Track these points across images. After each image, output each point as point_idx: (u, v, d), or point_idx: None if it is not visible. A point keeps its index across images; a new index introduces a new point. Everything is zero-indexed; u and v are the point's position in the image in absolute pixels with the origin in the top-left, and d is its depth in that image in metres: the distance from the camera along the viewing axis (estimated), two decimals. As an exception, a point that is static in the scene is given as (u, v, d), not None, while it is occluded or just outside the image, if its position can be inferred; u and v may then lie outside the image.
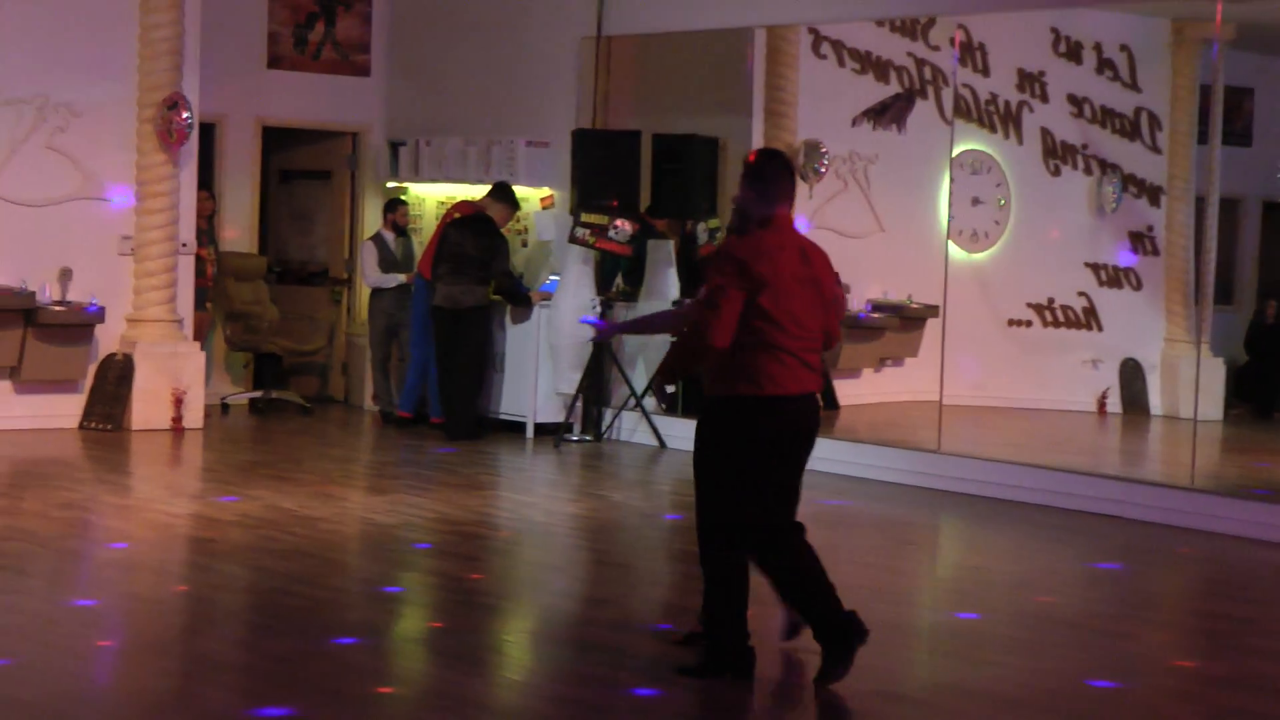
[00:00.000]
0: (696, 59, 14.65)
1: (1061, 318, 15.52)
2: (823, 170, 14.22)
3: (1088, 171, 15.54)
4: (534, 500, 11.41)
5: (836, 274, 7.02)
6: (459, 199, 14.67)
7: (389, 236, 14.78)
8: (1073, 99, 15.46)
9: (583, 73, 14.38)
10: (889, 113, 14.78)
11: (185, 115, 13.32)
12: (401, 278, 14.52)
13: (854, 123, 14.77)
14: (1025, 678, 7.22)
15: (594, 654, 7.31)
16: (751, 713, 6.72)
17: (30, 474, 11.65)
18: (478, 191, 14.47)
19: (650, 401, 13.91)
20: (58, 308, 13.04)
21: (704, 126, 14.01)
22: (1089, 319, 15.54)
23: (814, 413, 6.86)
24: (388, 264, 14.65)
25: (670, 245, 13.98)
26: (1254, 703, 6.97)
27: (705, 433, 6.83)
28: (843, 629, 6.78)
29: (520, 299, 13.93)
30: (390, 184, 15.59)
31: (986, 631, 8.09)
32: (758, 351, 6.67)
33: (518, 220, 14.89)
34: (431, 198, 15.42)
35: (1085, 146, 15.51)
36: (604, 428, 13.94)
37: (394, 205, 14.91)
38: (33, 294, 12.93)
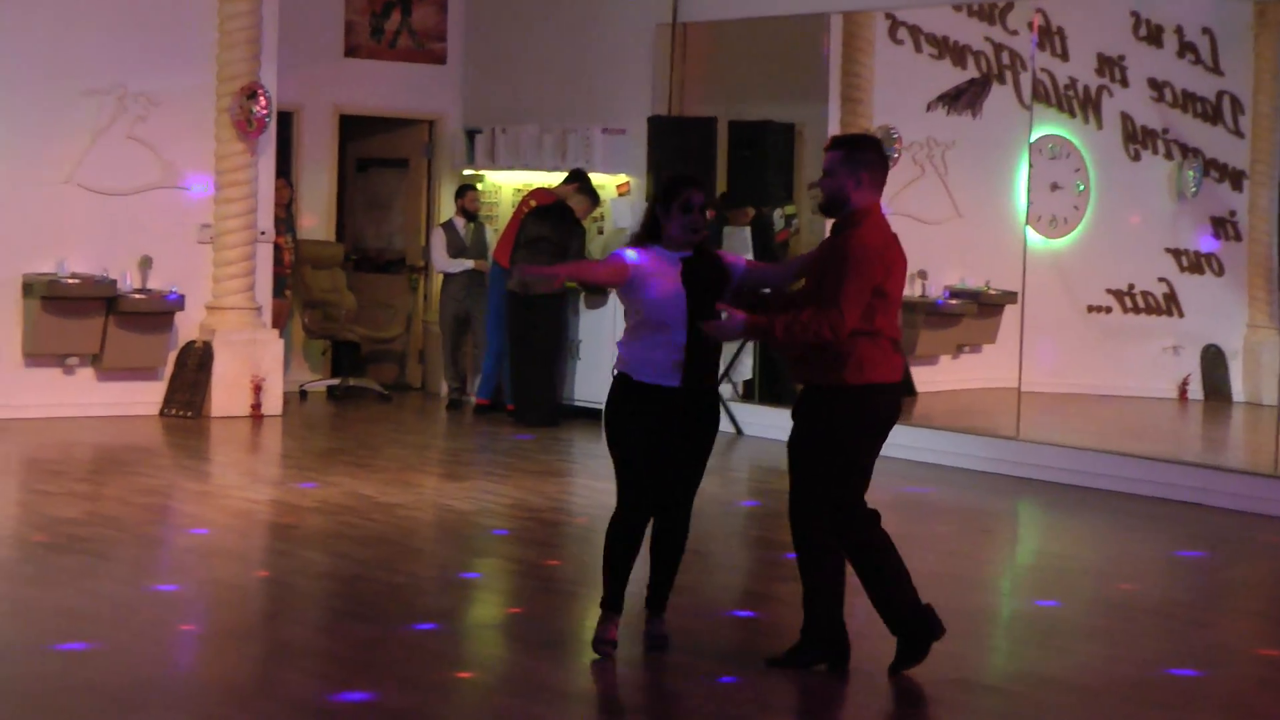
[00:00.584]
0: (772, 45, 14.60)
1: (1142, 304, 15.37)
2: (895, 155, 14.13)
3: (1168, 156, 15.38)
4: (610, 487, 11.38)
5: None
6: (535, 186, 14.68)
7: (459, 223, 14.82)
8: (1153, 83, 15.30)
9: (658, 60, 14.35)
10: (964, 98, 14.68)
11: (264, 104, 13.40)
12: (469, 264, 14.55)
13: (928, 108, 14.68)
14: (1106, 666, 7.16)
15: (671, 640, 7.29)
16: (830, 700, 6.70)
17: (111, 461, 11.77)
18: (554, 179, 14.48)
19: (727, 388, 13.88)
20: (138, 296, 13.15)
21: (779, 113, 13.97)
22: (1170, 305, 15.39)
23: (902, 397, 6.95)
24: (456, 249, 14.69)
25: (747, 232, 13.95)
26: (1340, 692, 6.89)
27: (825, 420, 6.72)
28: (920, 621, 6.74)
29: (594, 286, 13.96)
30: (466, 171, 15.63)
31: (1067, 619, 8.03)
32: (867, 339, 6.63)
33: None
34: (508, 186, 15.44)
35: (1166, 131, 15.34)
36: (680, 415, 13.89)
37: (463, 191, 14.95)
38: (114, 282, 13.05)
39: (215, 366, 13.37)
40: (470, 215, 14.86)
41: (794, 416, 6.86)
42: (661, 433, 6.83)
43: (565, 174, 14.26)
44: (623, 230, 14.61)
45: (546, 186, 14.44)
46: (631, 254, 6.88)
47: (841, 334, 6.54)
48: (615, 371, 6.96)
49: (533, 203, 14.18)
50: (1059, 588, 8.78)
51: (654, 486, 6.91)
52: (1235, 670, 7.25)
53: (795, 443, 6.83)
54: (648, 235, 6.93)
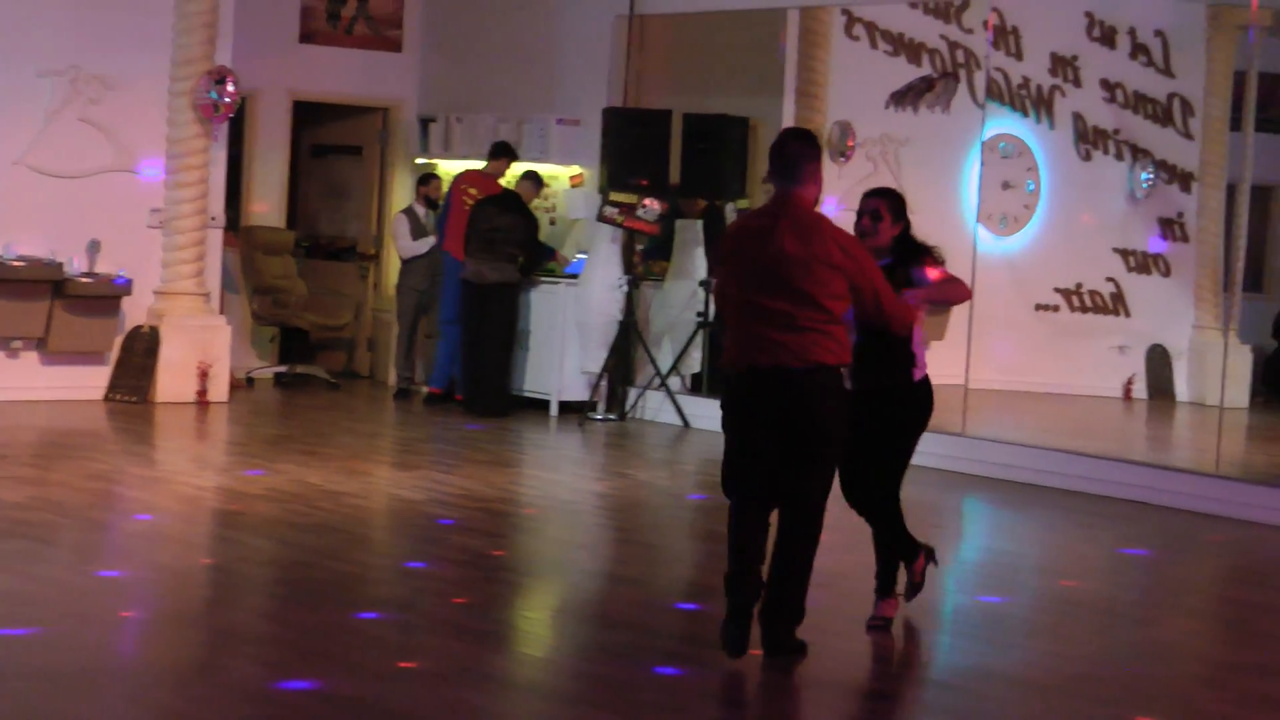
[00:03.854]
0: (729, 39, 14.62)
1: (1090, 303, 15.46)
2: (849, 151, 14.17)
3: (1119, 157, 15.47)
4: (559, 478, 11.42)
5: None
6: (466, 170, 14.63)
7: (420, 210, 14.78)
8: (1106, 84, 15.39)
9: (615, 52, 14.35)
10: (932, 92, 14.71)
11: (233, 90, 13.31)
12: (432, 239, 14.52)
13: (896, 102, 14.70)
14: (1051, 662, 7.21)
15: (617, 631, 7.31)
16: (778, 692, 6.72)
17: (56, 445, 11.69)
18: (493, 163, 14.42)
19: (675, 381, 13.90)
20: (86, 279, 13.06)
21: (735, 107, 13.98)
22: (1117, 305, 15.49)
23: None
24: (418, 236, 14.67)
25: (699, 225, 13.97)
26: (1278, 689, 6.93)
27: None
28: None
29: (547, 255, 14.01)
30: (420, 160, 15.58)
31: (1013, 615, 8.08)
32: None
33: (546, 198, 14.89)
34: (432, 171, 15.40)
35: (1117, 132, 15.44)
36: (628, 407, 13.94)
37: (427, 179, 14.92)
38: (61, 265, 12.96)
39: (163, 352, 13.30)
40: (433, 203, 14.81)
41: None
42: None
43: (497, 154, 14.32)
44: (577, 221, 14.61)
45: (478, 170, 14.39)
46: None
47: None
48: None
49: (472, 190, 14.11)
50: (1005, 584, 8.83)
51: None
52: (1177, 667, 7.30)
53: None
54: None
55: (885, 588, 7.50)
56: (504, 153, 14.32)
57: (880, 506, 7.41)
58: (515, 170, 14.37)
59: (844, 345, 6.84)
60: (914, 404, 7.36)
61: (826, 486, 6.92)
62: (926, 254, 7.29)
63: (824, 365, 6.77)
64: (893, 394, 7.29)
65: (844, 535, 7.56)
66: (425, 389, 14.46)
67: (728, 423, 6.96)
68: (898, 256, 7.26)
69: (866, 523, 7.46)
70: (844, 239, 6.81)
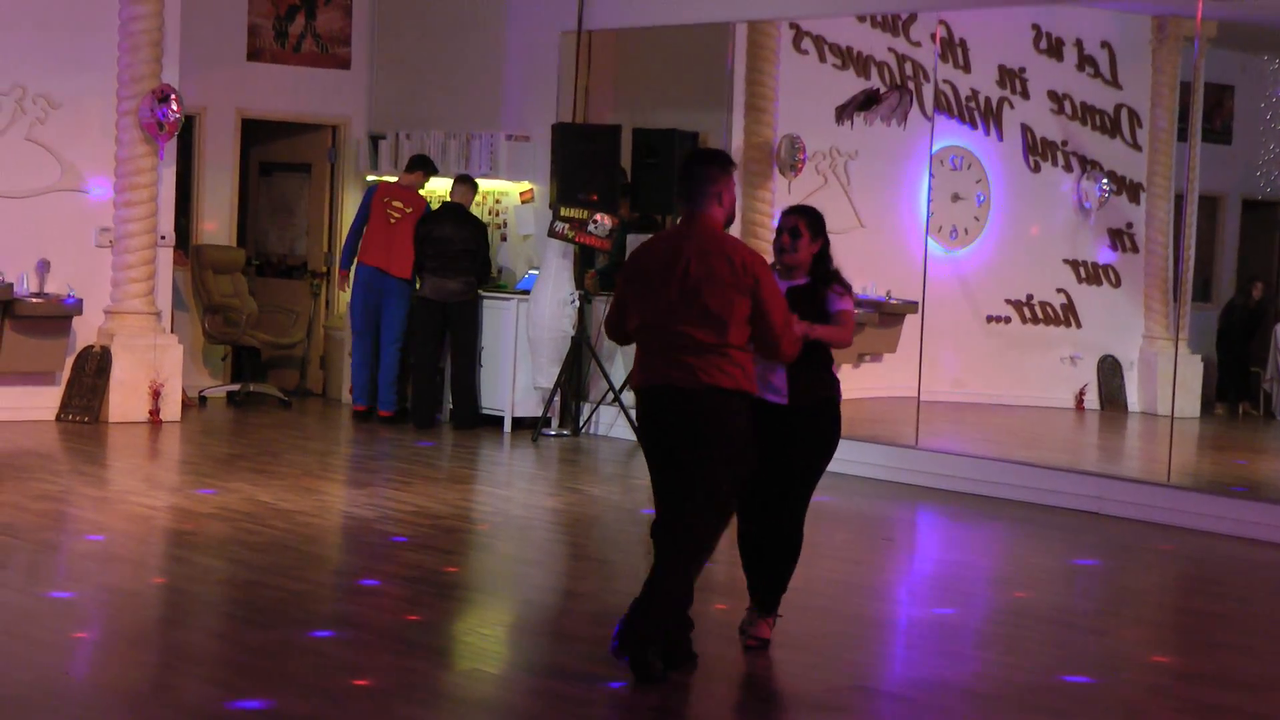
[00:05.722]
0: (677, 54, 14.65)
1: (1040, 314, 15.55)
2: (799, 164, 14.21)
3: (1068, 168, 15.57)
4: (511, 494, 11.41)
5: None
6: (382, 182, 14.61)
7: None
8: (1053, 95, 15.49)
9: (563, 67, 14.36)
10: (884, 105, 14.77)
11: (177, 108, 13.26)
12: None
13: (838, 116, 14.75)
14: (1002, 673, 7.24)
15: (570, 647, 7.31)
16: (730, 706, 6.72)
17: (7, 466, 11.60)
18: (442, 178, 14.40)
19: (629, 396, 13.90)
20: (35, 299, 12.99)
21: (684, 121, 14.01)
22: (1068, 316, 15.57)
23: None
24: None
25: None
26: (1228, 698, 6.99)
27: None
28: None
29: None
30: (371, 177, 15.55)
31: (965, 626, 8.11)
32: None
33: (497, 215, 14.89)
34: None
35: (1065, 143, 15.54)
36: (582, 422, 13.94)
37: None
38: (10, 285, 12.89)
39: (114, 371, 13.24)
40: None
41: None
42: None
43: (415, 168, 14.33)
44: (528, 237, 14.61)
45: (395, 182, 14.36)
46: None
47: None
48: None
49: (397, 204, 14.01)
50: (957, 595, 8.86)
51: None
52: (1128, 677, 7.35)
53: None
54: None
55: (769, 606, 7.34)
56: (421, 165, 14.31)
57: (793, 527, 7.26)
58: (439, 183, 14.37)
59: (746, 370, 6.76)
60: (834, 423, 7.30)
61: (722, 513, 6.84)
62: (837, 278, 7.28)
63: (722, 389, 6.70)
64: (816, 411, 7.22)
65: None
66: (353, 407, 14.31)
67: (641, 442, 7.04)
68: (815, 276, 7.24)
69: (767, 538, 7.31)
70: (751, 261, 6.76)
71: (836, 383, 7.32)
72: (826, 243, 7.31)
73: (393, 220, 14.04)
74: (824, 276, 7.25)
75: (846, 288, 7.28)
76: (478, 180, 14.42)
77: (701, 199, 6.85)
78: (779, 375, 7.09)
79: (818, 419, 7.22)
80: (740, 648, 7.24)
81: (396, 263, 14.03)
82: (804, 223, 7.26)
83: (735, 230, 7.49)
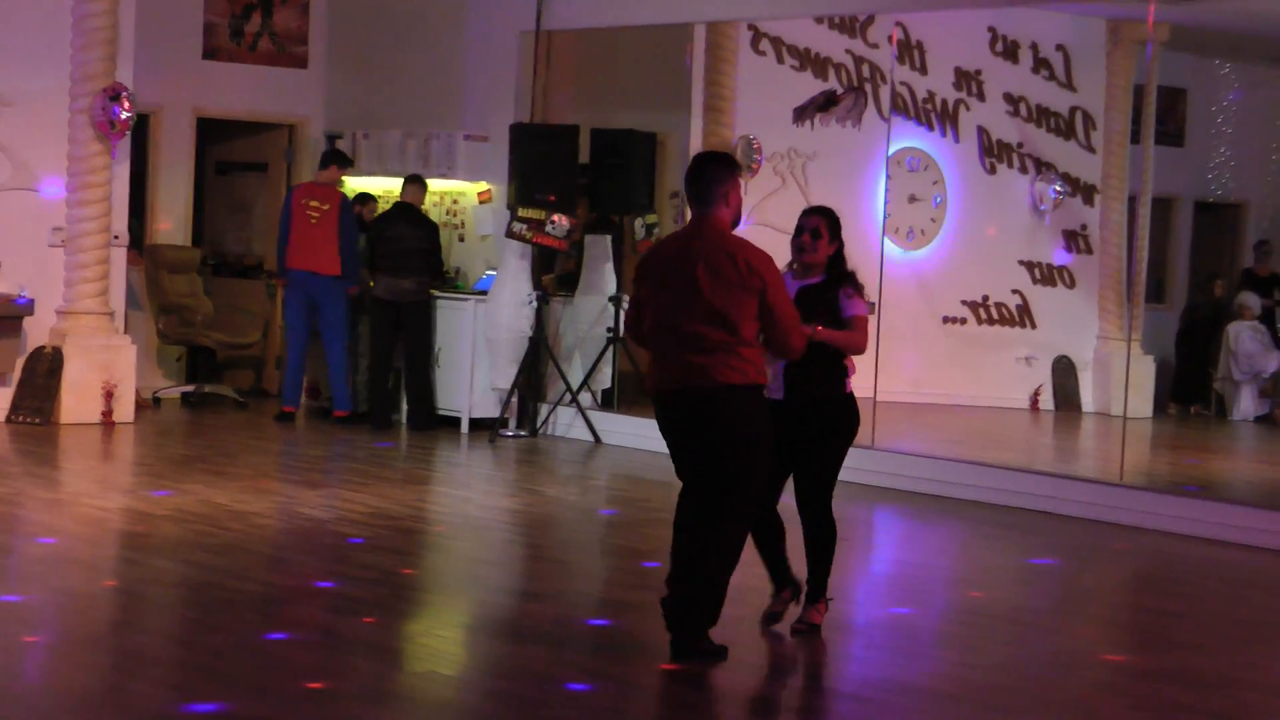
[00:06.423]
0: (636, 54, 14.65)
1: (996, 315, 15.61)
2: (756, 165, 14.22)
3: (1024, 170, 15.64)
4: (469, 495, 11.38)
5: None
6: (301, 183, 14.57)
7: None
8: (1009, 98, 15.55)
9: (522, 67, 14.33)
10: (840, 107, 14.80)
11: (128, 106, 13.18)
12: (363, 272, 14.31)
13: (796, 117, 14.78)
14: (959, 672, 7.26)
15: (528, 648, 7.29)
16: (688, 706, 6.72)
17: (-41, 467, 11.52)
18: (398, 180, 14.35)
19: (586, 397, 13.89)
20: (-12, 299, 12.91)
21: (643, 122, 14.01)
22: (1023, 317, 15.64)
23: None
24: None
25: (608, 240, 13.98)
26: (1182, 695, 7.02)
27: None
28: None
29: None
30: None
31: (922, 626, 8.13)
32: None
33: (455, 215, 14.86)
34: (368, 191, 15.32)
35: (1021, 145, 15.60)
36: (539, 423, 13.92)
37: (365, 199, 14.72)
38: (-38, 285, 12.81)
39: (66, 372, 13.15)
40: (365, 225, 14.54)
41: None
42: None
43: (326, 158, 14.27)
44: (486, 237, 14.58)
45: (312, 181, 14.30)
46: None
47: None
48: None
49: (314, 203, 13.88)
50: (914, 595, 8.88)
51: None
52: (1082, 675, 7.37)
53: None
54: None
55: (815, 593, 7.63)
56: (334, 159, 14.21)
57: (820, 516, 7.61)
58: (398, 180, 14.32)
59: (758, 365, 6.98)
60: (846, 415, 7.57)
61: (746, 506, 7.05)
62: (852, 280, 7.52)
63: (735, 386, 6.91)
64: (826, 405, 7.48)
65: (749, 550, 7.55)
66: (283, 408, 14.20)
67: (665, 441, 7.18)
68: (830, 276, 7.48)
69: (803, 530, 7.65)
70: (758, 261, 6.94)
71: (842, 377, 7.54)
72: (841, 244, 7.56)
73: (313, 220, 13.93)
74: (838, 277, 7.49)
75: (859, 289, 7.52)
76: (435, 180, 14.39)
77: (709, 200, 7.04)
78: (777, 372, 7.34)
79: (832, 412, 7.51)
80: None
81: (324, 262, 13.89)
82: (824, 224, 7.52)
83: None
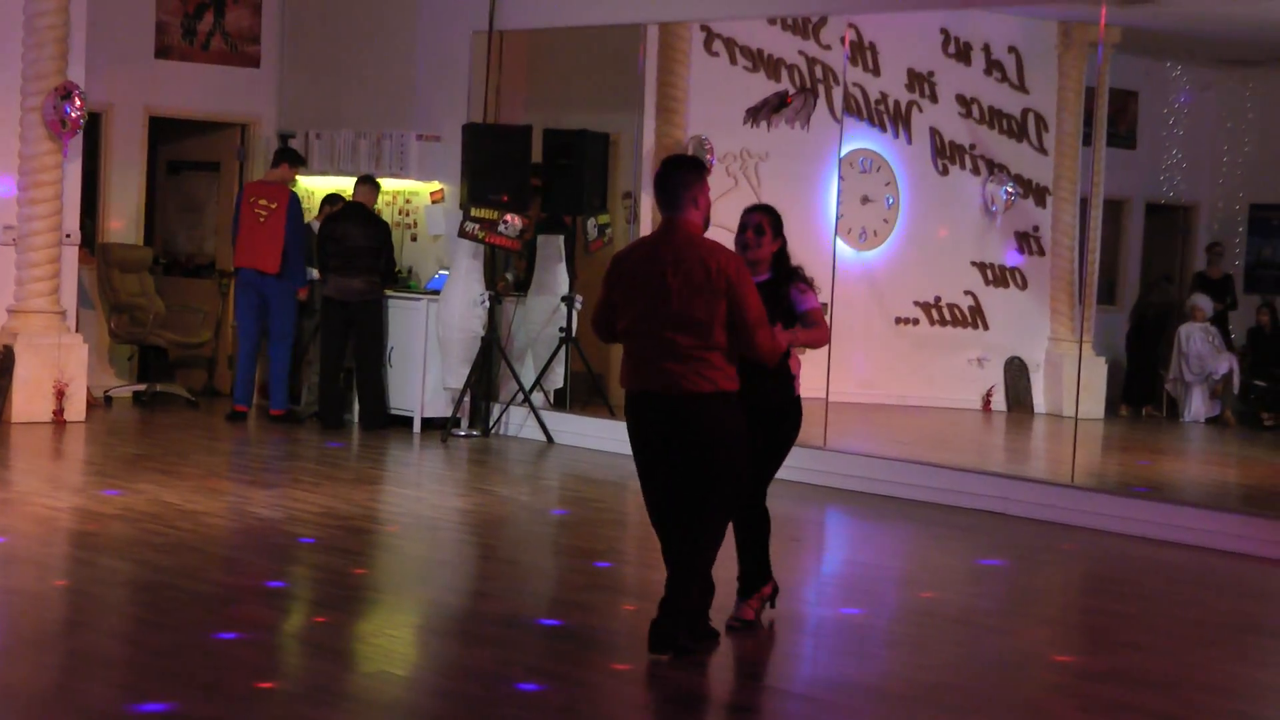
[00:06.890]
0: (588, 55, 14.66)
1: (948, 316, 15.67)
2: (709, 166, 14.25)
3: (976, 171, 15.70)
4: (421, 495, 11.37)
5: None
6: (250, 182, 14.53)
7: (316, 224, 14.47)
8: (962, 99, 15.62)
9: (475, 67, 14.32)
10: (789, 109, 14.84)
11: (79, 105, 13.11)
12: (314, 272, 14.27)
13: (751, 117, 14.81)
14: (908, 672, 7.28)
15: (479, 648, 7.29)
16: (637, 706, 6.73)
17: (-93, 467, 11.45)
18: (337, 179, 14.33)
19: (539, 397, 13.89)
20: (-63, 298, 12.82)
21: (595, 122, 14.02)
22: (975, 318, 15.71)
23: None
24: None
25: (560, 240, 13.99)
26: (1130, 696, 7.06)
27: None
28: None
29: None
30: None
31: (872, 627, 8.16)
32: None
33: (407, 215, 14.83)
34: (320, 190, 15.30)
35: (973, 147, 15.67)
36: (492, 423, 13.91)
37: (335, 199, 14.62)
38: (-89, 284, 12.72)
39: (17, 371, 13.08)
40: None
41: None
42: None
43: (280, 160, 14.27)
44: (438, 237, 14.56)
45: (261, 180, 14.27)
46: None
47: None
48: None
49: (263, 201, 13.87)
50: (864, 596, 8.91)
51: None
52: (1031, 675, 7.41)
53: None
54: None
55: (747, 589, 7.68)
56: (286, 158, 14.21)
57: (759, 514, 7.68)
58: (368, 181, 14.28)
59: (727, 371, 7.02)
60: (795, 418, 7.63)
61: (726, 508, 7.15)
62: (800, 276, 7.57)
63: (703, 394, 6.97)
64: (779, 410, 7.54)
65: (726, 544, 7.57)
66: (234, 408, 14.16)
67: (631, 442, 7.23)
68: (776, 273, 7.53)
69: (735, 526, 7.68)
70: (725, 262, 6.98)
71: (789, 381, 7.58)
72: (784, 241, 7.60)
73: (261, 219, 13.90)
74: (786, 274, 7.53)
75: (809, 284, 7.57)
76: (387, 179, 14.37)
77: (678, 204, 7.09)
78: None
79: (783, 419, 7.57)
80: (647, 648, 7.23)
81: (271, 261, 13.89)
82: (766, 220, 7.56)
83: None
